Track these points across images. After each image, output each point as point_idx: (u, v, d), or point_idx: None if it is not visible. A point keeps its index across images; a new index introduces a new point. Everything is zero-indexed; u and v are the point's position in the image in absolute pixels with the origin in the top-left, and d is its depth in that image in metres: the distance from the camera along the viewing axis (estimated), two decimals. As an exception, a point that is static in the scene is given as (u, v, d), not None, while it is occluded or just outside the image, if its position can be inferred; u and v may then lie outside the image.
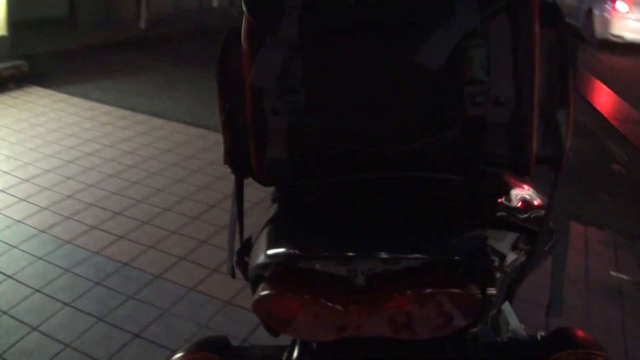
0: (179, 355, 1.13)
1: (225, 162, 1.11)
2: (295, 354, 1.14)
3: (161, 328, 2.64)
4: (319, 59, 0.98)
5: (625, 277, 3.19)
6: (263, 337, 2.51)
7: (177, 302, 2.81)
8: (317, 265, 1.00)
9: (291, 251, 1.00)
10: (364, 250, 0.95)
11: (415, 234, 0.98)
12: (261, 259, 1.01)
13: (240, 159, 1.08)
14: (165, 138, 4.92)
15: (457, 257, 0.96)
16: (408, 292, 0.93)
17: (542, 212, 1.17)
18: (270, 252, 1.01)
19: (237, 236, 1.20)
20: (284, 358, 1.15)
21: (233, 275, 1.21)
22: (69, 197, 3.79)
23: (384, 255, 0.94)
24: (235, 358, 1.18)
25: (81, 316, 2.67)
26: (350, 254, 0.96)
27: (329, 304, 0.95)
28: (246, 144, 1.04)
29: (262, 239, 1.06)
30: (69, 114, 5.41)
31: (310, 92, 0.97)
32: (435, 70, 0.87)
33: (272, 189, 1.17)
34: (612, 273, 3.19)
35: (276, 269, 1.01)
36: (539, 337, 1.57)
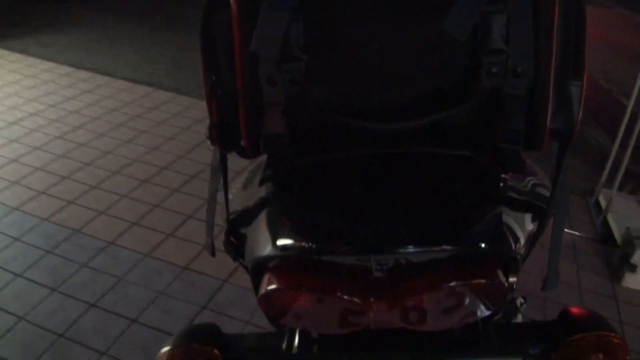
0: (166, 349, 1.06)
1: (210, 138, 1.00)
2: (296, 342, 1.10)
3: (118, 296, 2.59)
4: (321, 22, 0.90)
5: (578, 233, 3.27)
6: (223, 305, 2.50)
7: (133, 269, 2.77)
8: (331, 257, 0.94)
9: (306, 244, 0.93)
10: (385, 242, 0.90)
11: (435, 223, 0.94)
12: (268, 249, 0.95)
13: (227, 133, 0.99)
14: (110, 97, 4.77)
15: (483, 246, 0.92)
16: (434, 286, 0.90)
17: (544, 185, 1.15)
18: (279, 242, 0.94)
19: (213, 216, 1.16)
20: (283, 346, 1.11)
21: (213, 254, 1.17)
22: (13, 160, 3.66)
23: (410, 249, 0.89)
24: (230, 348, 1.11)
25: (34, 287, 2.60)
26: (371, 247, 0.91)
27: (347, 298, 0.90)
28: (234, 117, 0.96)
29: (262, 224, 1.01)
30: (9, 71, 5.20)
31: (312, 59, 0.89)
32: (459, 39, 0.82)
33: (247, 162, 1.11)
34: (565, 230, 3.25)
35: (283, 260, 0.95)
36: (518, 304, 1.58)
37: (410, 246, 0.89)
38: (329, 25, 0.90)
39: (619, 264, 2.93)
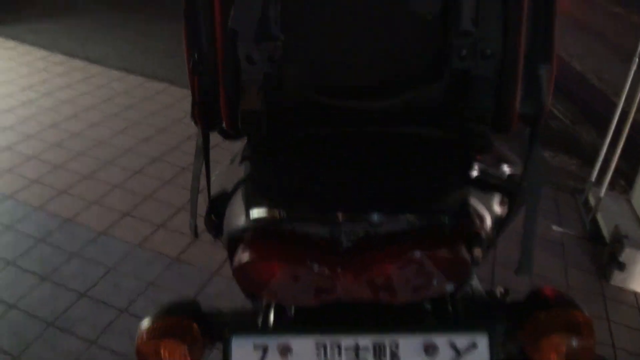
0: (148, 321, 1.09)
1: (193, 116, 1.04)
2: (272, 318, 1.11)
3: (108, 286, 2.60)
4: (298, 2, 0.93)
5: (566, 231, 3.27)
6: (212, 296, 2.51)
7: (123, 260, 2.77)
8: (301, 228, 0.97)
9: (277, 213, 0.96)
10: (353, 212, 0.93)
11: (402, 194, 0.96)
12: (242, 221, 0.97)
13: (208, 111, 1.02)
14: (104, 86, 4.76)
15: (447, 219, 0.95)
16: (397, 255, 0.92)
17: (517, 170, 1.16)
18: (252, 213, 0.97)
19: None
20: (259, 322, 1.13)
21: (196, 235, 1.18)
22: (7, 149, 3.66)
23: (375, 218, 0.92)
24: (210, 323, 1.13)
25: (25, 275, 2.61)
26: (339, 216, 0.92)
27: (317, 268, 0.93)
28: (215, 94, 0.99)
29: (238, 199, 1.03)
30: (4, 59, 5.19)
31: (288, 39, 0.93)
32: (426, 18, 0.85)
33: (233, 145, 1.12)
34: (554, 227, 3.27)
35: (256, 232, 0.97)
36: (498, 294, 1.59)
37: (374, 214, 0.92)
38: (304, 6, 0.93)
39: (607, 262, 2.95)
